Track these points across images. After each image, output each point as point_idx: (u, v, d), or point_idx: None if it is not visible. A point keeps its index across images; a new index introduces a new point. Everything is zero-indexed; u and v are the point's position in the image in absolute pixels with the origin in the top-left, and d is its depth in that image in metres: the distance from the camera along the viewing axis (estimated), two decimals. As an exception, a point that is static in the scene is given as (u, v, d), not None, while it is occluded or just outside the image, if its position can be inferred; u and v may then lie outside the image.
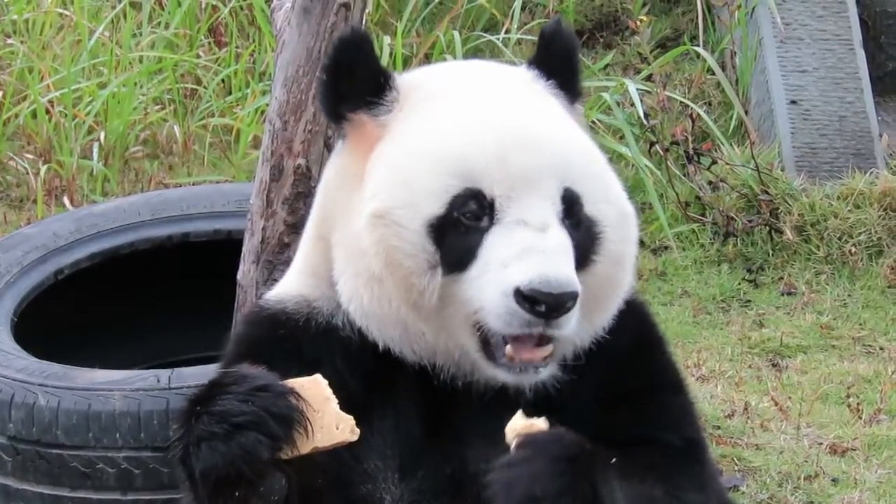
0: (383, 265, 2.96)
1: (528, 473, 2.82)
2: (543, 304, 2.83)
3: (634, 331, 3.14)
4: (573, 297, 2.84)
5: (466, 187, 2.93)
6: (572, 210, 2.96)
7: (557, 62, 3.14)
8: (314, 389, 2.89)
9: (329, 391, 2.89)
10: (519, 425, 2.89)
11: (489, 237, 2.92)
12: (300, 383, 2.90)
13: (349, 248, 3.01)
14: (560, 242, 2.88)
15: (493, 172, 2.92)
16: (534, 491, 2.80)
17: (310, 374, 2.94)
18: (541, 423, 2.89)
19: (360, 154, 3.05)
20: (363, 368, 3.07)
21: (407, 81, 3.11)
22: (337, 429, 2.87)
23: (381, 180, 2.99)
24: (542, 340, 2.91)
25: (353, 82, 3.06)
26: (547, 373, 2.94)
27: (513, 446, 2.87)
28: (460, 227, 2.93)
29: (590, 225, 2.99)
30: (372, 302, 3.00)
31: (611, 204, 3.03)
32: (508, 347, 2.91)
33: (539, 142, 2.95)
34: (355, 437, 2.87)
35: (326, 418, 2.87)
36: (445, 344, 2.99)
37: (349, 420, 2.87)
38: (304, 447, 2.86)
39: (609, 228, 3.01)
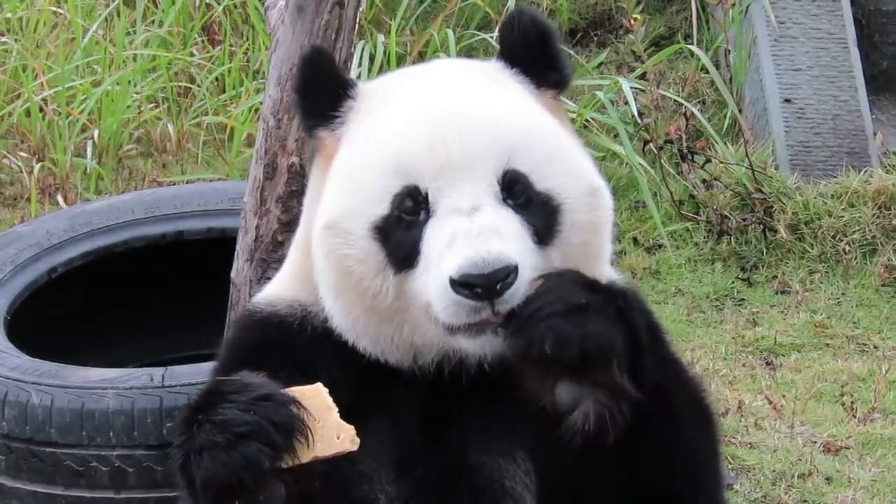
0: (337, 275, 2.98)
1: (559, 286, 2.87)
2: (478, 287, 2.83)
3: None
4: (506, 271, 2.83)
5: (404, 185, 2.94)
6: (514, 189, 2.95)
7: (518, 50, 3.11)
8: (316, 398, 2.86)
9: (330, 400, 2.86)
10: None
11: (427, 231, 2.92)
12: (301, 392, 2.87)
13: (316, 265, 3.04)
14: (490, 221, 2.88)
15: (425, 166, 2.93)
16: (571, 299, 2.85)
17: (304, 377, 2.92)
18: None
19: (323, 169, 3.09)
20: (358, 370, 3.06)
21: (366, 90, 3.12)
22: (337, 438, 2.84)
23: (331, 193, 3.02)
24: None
25: (314, 100, 3.09)
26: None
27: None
28: (402, 225, 2.94)
29: (546, 200, 2.97)
30: (340, 315, 3.02)
31: (575, 178, 3.01)
32: None
33: (471, 127, 2.94)
34: (356, 447, 2.85)
35: (327, 428, 2.84)
36: (412, 342, 3.00)
37: (350, 430, 2.85)
38: (305, 456, 2.83)
39: (573, 200, 2.99)
